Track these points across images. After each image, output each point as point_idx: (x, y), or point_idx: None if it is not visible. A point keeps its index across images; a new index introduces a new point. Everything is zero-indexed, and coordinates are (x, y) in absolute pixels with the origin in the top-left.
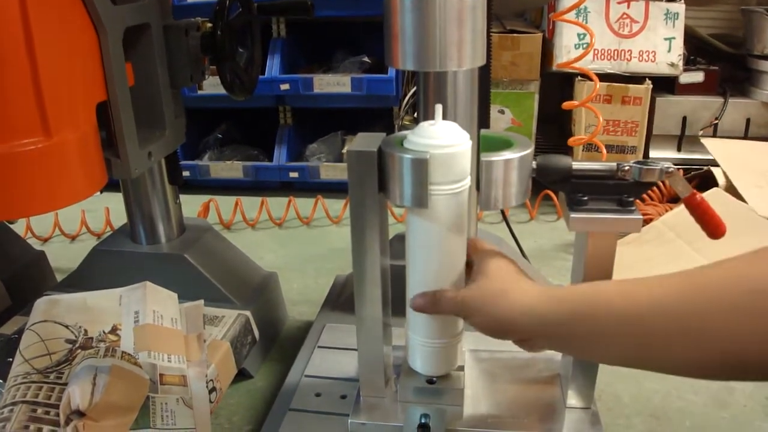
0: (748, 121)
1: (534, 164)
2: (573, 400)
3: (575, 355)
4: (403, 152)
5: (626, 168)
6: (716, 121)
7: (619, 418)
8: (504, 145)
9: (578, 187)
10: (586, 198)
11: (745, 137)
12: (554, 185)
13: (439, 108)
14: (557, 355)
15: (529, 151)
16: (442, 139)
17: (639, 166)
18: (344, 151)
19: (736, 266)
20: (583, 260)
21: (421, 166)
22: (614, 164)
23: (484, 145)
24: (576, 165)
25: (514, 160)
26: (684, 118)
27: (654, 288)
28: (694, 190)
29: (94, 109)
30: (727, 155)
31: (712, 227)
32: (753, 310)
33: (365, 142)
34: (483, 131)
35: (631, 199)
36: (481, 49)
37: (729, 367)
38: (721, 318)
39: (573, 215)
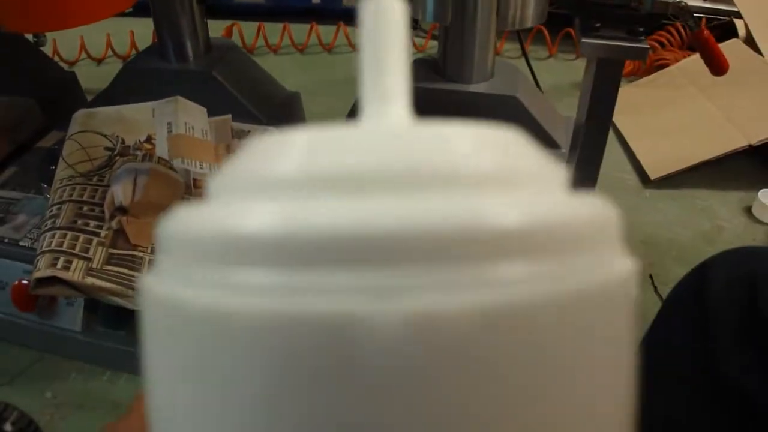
0: None
1: None
2: None
3: None
4: None
5: None
6: None
7: None
8: None
9: (592, 14)
10: (599, 25)
11: None
12: (570, 11)
13: None
14: None
15: None
16: None
17: None
18: None
19: None
20: (590, 88)
21: None
22: None
23: None
24: None
25: None
26: None
27: None
28: (703, 26)
29: None
30: (751, 7)
31: (716, 64)
32: None
33: None
34: None
35: (642, 29)
36: None
37: None
38: None
39: (584, 40)
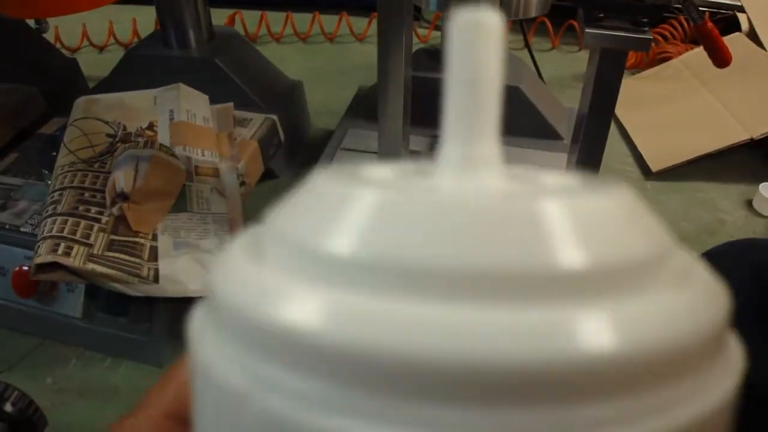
0: None
1: None
2: None
3: None
4: None
5: None
6: None
7: None
8: None
9: (596, 5)
10: (602, 16)
11: None
12: (573, 1)
13: None
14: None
15: None
16: None
17: None
18: None
19: None
20: (593, 79)
21: None
22: None
23: None
24: None
25: None
26: None
27: None
28: (707, 18)
29: None
30: (754, 1)
31: (719, 56)
32: None
33: None
34: None
35: (645, 20)
36: None
37: None
38: None
39: (587, 30)
